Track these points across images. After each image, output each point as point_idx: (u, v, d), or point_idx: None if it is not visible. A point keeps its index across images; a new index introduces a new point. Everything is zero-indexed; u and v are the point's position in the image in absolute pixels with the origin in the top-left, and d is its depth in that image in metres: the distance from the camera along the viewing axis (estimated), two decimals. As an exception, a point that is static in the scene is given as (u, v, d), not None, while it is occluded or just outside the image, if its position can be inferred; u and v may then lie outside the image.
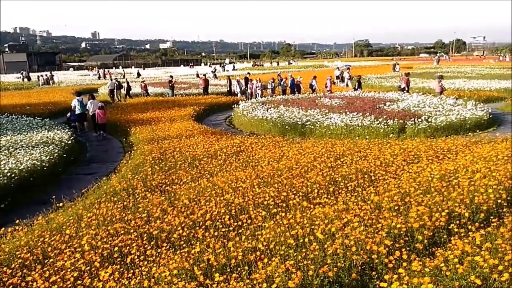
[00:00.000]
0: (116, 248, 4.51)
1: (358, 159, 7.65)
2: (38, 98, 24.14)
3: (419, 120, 11.88)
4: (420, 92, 19.20)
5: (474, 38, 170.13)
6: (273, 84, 22.32)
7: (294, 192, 5.90)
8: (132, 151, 10.31)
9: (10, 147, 10.21)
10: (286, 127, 12.68)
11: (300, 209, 5.25)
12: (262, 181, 6.56)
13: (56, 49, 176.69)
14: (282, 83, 22.95)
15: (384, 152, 8.02)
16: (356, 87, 21.49)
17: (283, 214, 5.11)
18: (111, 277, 3.94)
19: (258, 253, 4.12)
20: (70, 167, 10.18)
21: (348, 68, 30.86)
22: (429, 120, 11.99)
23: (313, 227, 4.55)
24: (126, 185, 7.03)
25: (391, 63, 51.49)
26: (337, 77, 29.33)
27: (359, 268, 3.77)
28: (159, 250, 4.48)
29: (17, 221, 5.88)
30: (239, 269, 3.90)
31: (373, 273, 3.75)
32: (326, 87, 21.92)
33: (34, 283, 3.97)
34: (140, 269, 4.11)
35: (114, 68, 75.71)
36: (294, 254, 3.99)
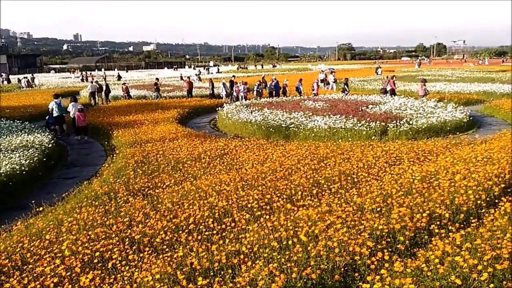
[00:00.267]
0: (97, 253, 4.44)
1: (341, 161, 7.71)
2: (18, 101, 23.67)
3: (401, 122, 12.05)
4: (402, 95, 19.50)
5: (454, 42, 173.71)
6: (259, 86, 22.35)
7: (278, 194, 5.91)
8: (114, 155, 10.17)
9: (-12, 151, 9.98)
10: (270, 129, 12.71)
11: (284, 212, 5.25)
12: (246, 183, 6.54)
13: (37, 51, 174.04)
14: (269, 85, 23.01)
15: (366, 154, 8.10)
16: (344, 90, 21.70)
17: (267, 217, 5.10)
18: (92, 283, 3.87)
19: (241, 256, 4.11)
20: (51, 171, 10.00)
21: (332, 72, 31.12)
22: (411, 122, 12.17)
23: (296, 229, 4.55)
24: (108, 189, 6.94)
25: (374, 67, 52.17)
26: (322, 81, 29.55)
27: (342, 269, 3.79)
28: (141, 255, 4.42)
29: (-5, 227, 5.74)
30: (222, 272, 3.87)
31: (356, 274, 3.77)
32: (313, 90, 22.07)
33: (12, 290, 3.88)
34: (122, 274, 4.04)
35: (96, 70, 74.82)
36: (278, 257, 3.99)
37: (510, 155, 6.97)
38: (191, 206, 5.62)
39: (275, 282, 3.46)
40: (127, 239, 4.80)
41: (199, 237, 4.71)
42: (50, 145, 11.22)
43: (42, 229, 5.39)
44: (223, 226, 5.02)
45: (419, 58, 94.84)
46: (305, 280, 3.59)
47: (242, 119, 14.06)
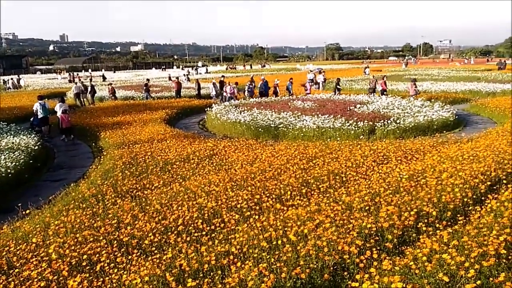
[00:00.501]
0: (85, 256, 4.39)
1: (330, 160, 7.74)
2: (3, 103, 23.30)
3: (388, 121, 12.15)
4: (389, 94, 19.66)
5: (440, 41, 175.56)
6: (251, 86, 22.31)
7: (268, 194, 5.91)
8: (102, 156, 10.07)
9: (-27, 154, 9.80)
10: (259, 129, 12.71)
11: (273, 212, 5.26)
12: (236, 184, 6.53)
13: (23, 52, 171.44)
14: (259, 85, 22.98)
15: (354, 153, 8.15)
16: (336, 90, 21.77)
17: (257, 217, 5.10)
18: (80, 286, 3.83)
19: (231, 257, 4.10)
20: (37, 174, 9.86)
21: (321, 72, 31.22)
22: (398, 121, 12.27)
23: (286, 229, 4.56)
24: (96, 191, 6.87)
25: (362, 66, 52.52)
26: (311, 80, 29.62)
27: (331, 268, 3.81)
28: (129, 257, 4.38)
29: (-20, 231, 5.64)
30: (212, 273, 3.86)
31: (345, 273, 3.79)
32: (306, 89, 22.11)
33: (-2, 295, 3.82)
34: (110, 277, 4.00)
35: (83, 71, 74.04)
36: (267, 257, 3.99)
37: (496, 153, 7.07)
38: (180, 207, 5.60)
39: (264, 282, 3.46)
40: (115, 242, 4.75)
41: (188, 239, 4.69)
42: (36, 147, 11.08)
43: (29, 232, 5.31)
44: (213, 227, 5.00)
45: (406, 57, 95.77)
46: (294, 279, 3.59)
47: (231, 119, 14.04)
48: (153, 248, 4.58)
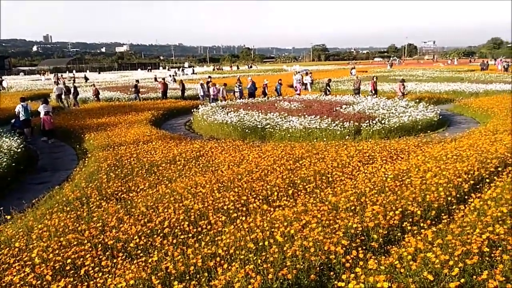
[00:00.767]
0: (69, 260, 4.32)
1: (316, 161, 7.77)
2: (-15, 105, 22.86)
3: (374, 122, 12.25)
4: (378, 95, 19.83)
5: (425, 42, 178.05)
6: (240, 87, 22.26)
7: (254, 195, 5.90)
8: (87, 158, 9.95)
9: (-47, 157, 9.58)
10: (246, 130, 12.70)
11: (260, 213, 5.25)
12: (222, 185, 6.51)
13: (6, 52, 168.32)
14: (248, 86, 22.92)
15: (340, 153, 8.20)
16: (326, 91, 21.80)
17: (244, 218, 5.09)
18: (64, 291, 3.76)
19: (218, 259, 4.08)
20: (20, 177, 9.68)
21: (309, 73, 31.32)
22: (383, 122, 12.40)
23: (273, 230, 4.56)
24: (80, 194, 6.77)
25: (348, 67, 52.91)
26: (298, 81, 29.68)
27: (318, 269, 3.82)
28: (115, 261, 4.33)
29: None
30: (198, 276, 3.84)
31: (331, 273, 3.80)
32: (296, 90, 22.12)
33: (-21, 302, 3.74)
34: (95, 281, 3.95)
35: (67, 72, 73.07)
36: (254, 258, 3.98)
37: (479, 152, 7.19)
38: (166, 210, 5.55)
39: (251, 284, 3.45)
40: (100, 245, 4.69)
41: (175, 241, 4.65)
42: (19, 150, 10.88)
43: (11, 236, 5.21)
44: (199, 229, 4.98)
45: (391, 58, 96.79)
46: (281, 280, 3.59)
47: (217, 120, 14.00)
48: (139, 251, 4.54)
